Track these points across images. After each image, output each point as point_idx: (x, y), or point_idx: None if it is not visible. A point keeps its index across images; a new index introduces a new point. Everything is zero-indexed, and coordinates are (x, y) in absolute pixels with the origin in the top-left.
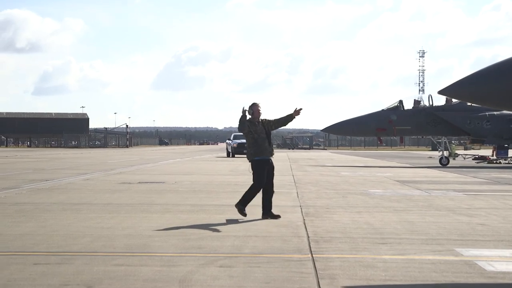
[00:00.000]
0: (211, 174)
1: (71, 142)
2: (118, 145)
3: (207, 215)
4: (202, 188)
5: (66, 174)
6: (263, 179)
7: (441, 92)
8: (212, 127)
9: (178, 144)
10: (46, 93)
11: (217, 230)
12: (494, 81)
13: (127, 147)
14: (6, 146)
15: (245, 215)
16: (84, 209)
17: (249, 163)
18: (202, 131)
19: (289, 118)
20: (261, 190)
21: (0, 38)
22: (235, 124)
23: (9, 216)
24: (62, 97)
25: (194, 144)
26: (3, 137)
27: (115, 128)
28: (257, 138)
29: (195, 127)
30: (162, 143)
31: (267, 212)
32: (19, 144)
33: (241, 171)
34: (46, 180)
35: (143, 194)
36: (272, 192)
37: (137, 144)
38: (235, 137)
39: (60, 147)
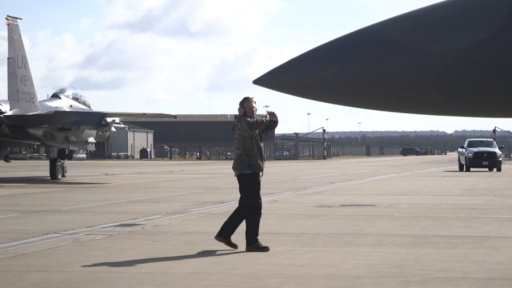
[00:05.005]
0: (438, 194)
1: None
2: (312, 156)
3: (433, 250)
4: (425, 213)
5: None
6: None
7: (256, 82)
8: (438, 131)
9: (391, 153)
10: (222, 89)
11: (448, 270)
12: (321, 68)
13: (325, 158)
14: (170, 158)
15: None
16: (270, 241)
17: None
18: (424, 136)
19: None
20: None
21: (169, 19)
22: (470, 126)
23: (175, 248)
24: (242, 94)
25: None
26: (166, 147)
27: (309, 133)
28: (259, 146)
29: (414, 131)
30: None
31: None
32: (186, 156)
33: (479, 190)
34: (221, 203)
35: (346, 221)
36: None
37: (338, 155)
38: (470, 144)
39: None
